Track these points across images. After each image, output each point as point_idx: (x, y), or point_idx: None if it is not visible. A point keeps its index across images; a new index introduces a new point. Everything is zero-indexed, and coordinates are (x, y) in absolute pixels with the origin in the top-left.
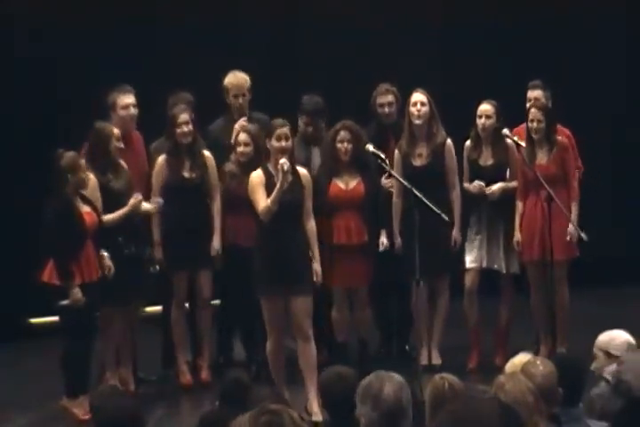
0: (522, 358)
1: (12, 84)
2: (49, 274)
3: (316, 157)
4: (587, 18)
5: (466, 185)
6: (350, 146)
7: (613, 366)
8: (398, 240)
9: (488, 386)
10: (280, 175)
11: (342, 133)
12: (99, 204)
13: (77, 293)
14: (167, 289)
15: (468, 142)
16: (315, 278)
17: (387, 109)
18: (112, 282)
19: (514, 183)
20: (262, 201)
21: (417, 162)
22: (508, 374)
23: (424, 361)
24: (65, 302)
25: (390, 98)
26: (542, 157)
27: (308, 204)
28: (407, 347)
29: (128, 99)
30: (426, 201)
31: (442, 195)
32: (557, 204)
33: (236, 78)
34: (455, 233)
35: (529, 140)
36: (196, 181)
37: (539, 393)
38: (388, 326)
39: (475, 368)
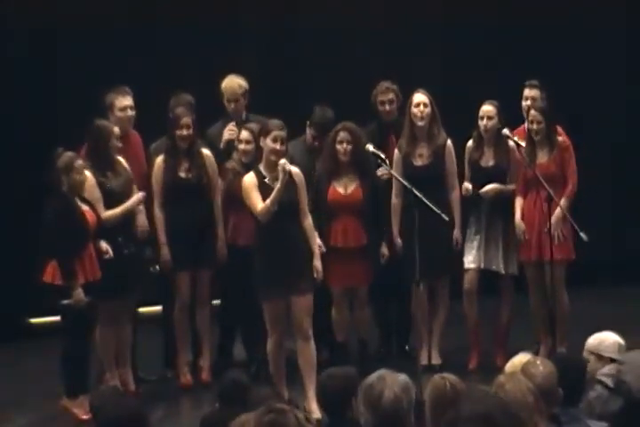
0: (522, 358)
1: (12, 84)
2: (50, 274)
3: (317, 164)
4: (587, 18)
5: (465, 185)
6: (350, 147)
7: (607, 368)
8: (398, 241)
9: (488, 386)
10: (280, 175)
11: (342, 134)
12: (99, 203)
13: (80, 293)
14: (167, 289)
15: (469, 143)
16: (315, 275)
17: (387, 107)
18: (112, 280)
19: (511, 186)
20: (259, 203)
21: (418, 162)
22: (508, 374)
23: (424, 361)
24: (67, 302)
25: (391, 96)
26: (542, 157)
27: (304, 202)
28: (407, 347)
29: (126, 101)
30: (426, 201)
31: (442, 195)
32: (557, 204)
33: (230, 83)
34: (456, 233)
35: (529, 140)
36: (192, 182)
37: (539, 393)
38: (387, 326)
39: (475, 368)
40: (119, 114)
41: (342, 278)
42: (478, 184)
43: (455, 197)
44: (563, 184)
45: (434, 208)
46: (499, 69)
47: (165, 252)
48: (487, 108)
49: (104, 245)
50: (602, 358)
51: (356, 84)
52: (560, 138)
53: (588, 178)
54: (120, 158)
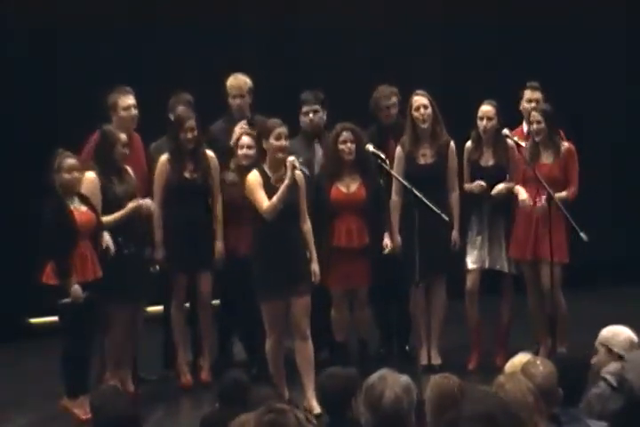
0: (521, 358)
1: (12, 84)
2: (48, 275)
3: (319, 152)
4: (587, 18)
5: (466, 185)
6: (353, 146)
7: (613, 366)
8: (397, 238)
9: (488, 386)
10: (288, 172)
11: (345, 134)
12: (97, 205)
13: (77, 289)
14: (167, 289)
15: (468, 143)
16: (313, 279)
17: (391, 111)
18: (113, 280)
19: (511, 184)
20: (264, 201)
21: (421, 161)
22: (508, 374)
23: (424, 361)
24: (65, 301)
25: (394, 100)
26: (547, 158)
27: (304, 204)
28: (407, 347)
29: (129, 100)
30: (426, 201)
31: (442, 196)
32: (557, 205)
33: (236, 80)
34: (454, 235)
35: (533, 142)
36: (197, 183)
37: (539, 393)
38: (387, 326)
39: (475, 368)
40: (123, 113)
41: (343, 279)
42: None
43: (455, 198)
44: (564, 188)
45: (434, 208)
46: (499, 69)
47: (160, 251)
48: (486, 109)
49: (106, 239)
50: (611, 353)
51: (356, 84)
52: (565, 144)
53: (588, 178)
54: (127, 168)
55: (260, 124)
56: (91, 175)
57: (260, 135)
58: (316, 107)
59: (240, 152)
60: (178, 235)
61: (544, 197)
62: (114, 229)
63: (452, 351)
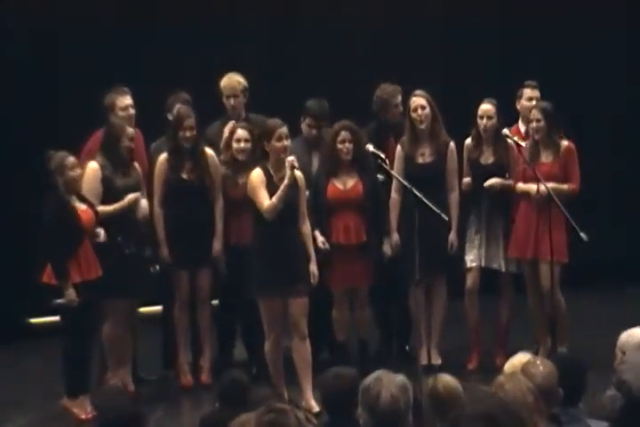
0: (521, 357)
1: (12, 84)
2: (48, 275)
3: (317, 161)
4: (587, 18)
5: (464, 180)
6: (351, 146)
7: None
8: (395, 236)
9: (488, 386)
10: (288, 172)
11: (343, 133)
12: (97, 197)
13: (72, 293)
14: (167, 289)
15: (468, 141)
16: (311, 279)
17: (399, 109)
18: (113, 280)
19: (512, 182)
20: (265, 199)
21: (420, 160)
22: (508, 374)
23: (424, 361)
24: (60, 301)
25: (400, 98)
26: (547, 157)
27: (303, 205)
28: (407, 347)
29: (126, 100)
30: (426, 201)
31: (441, 195)
32: (557, 205)
33: (229, 80)
34: (452, 236)
35: (533, 140)
36: (195, 182)
37: (539, 393)
38: (387, 327)
39: (475, 368)
40: (121, 113)
41: (343, 279)
42: (478, 182)
43: (454, 198)
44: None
45: (434, 208)
46: (499, 69)
47: (164, 250)
48: (486, 107)
49: (99, 231)
50: None
51: (356, 84)
52: (565, 142)
53: (588, 178)
54: (136, 164)
55: (261, 125)
56: (93, 165)
57: (262, 137)
58: (322, 122)
59: (236, 146)
60: (177, 233)
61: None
62: (114, 228)
63: (452, 351)
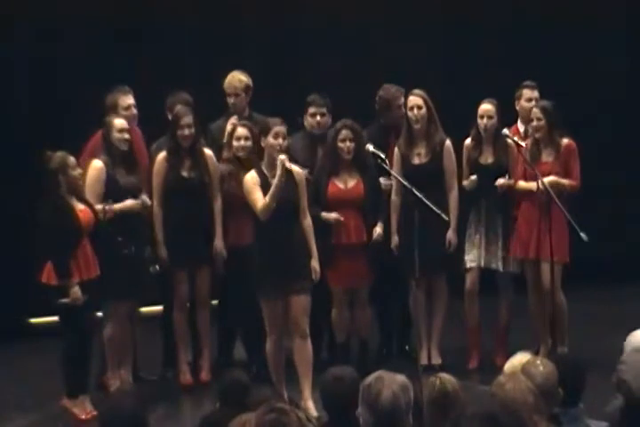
0: (521, 357)
1: (12, 84)
2: (47, 275)
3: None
4: (587, 18)
5: (464, 183)
6: (352, 144)
7: None
8: (395, 238)
9: (488, 386)
10: (278, 171)
11: (344, 132)
12: (99, 196)
13: (77, 291)
14: (167, 289)
15: (467, 141)
16: (313, 276)
17: (402, 110)
18: (113, 280)
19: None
20: (260, 200)
21: (416, 160)
22: (508, 374)
23: (424, 361)
24: (64, 301)
25: (403, 99)
26: (547, 156)
27: (304, 201)
28: (407, 347)
29: (129, 99)
30: (426, 201)
31: (440, 194)
32: (557, 205)
33: (231, 78)
34: (450, 234)
35: (534, 139)
36: (194, 181)
37: (539, 393)
38: (388, 326)
39: (475, 368)
40: (124, 113)
41: (344, 279)
42: (478, 182)
43: (453, 197)
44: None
45: (434, 208)
46: (499, 69)
47: (162, 250)
48: (486, 107)
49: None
50: None
51: (356, 85)
52: (565, 140)
53: (588, 178)
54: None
55: (261, 122)
56: (97, 164)
57: (260, 133)
58: (324, 110)
59: (236, 144)
60: (177, 233)
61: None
62: (114, 228)
63: (451, 351)
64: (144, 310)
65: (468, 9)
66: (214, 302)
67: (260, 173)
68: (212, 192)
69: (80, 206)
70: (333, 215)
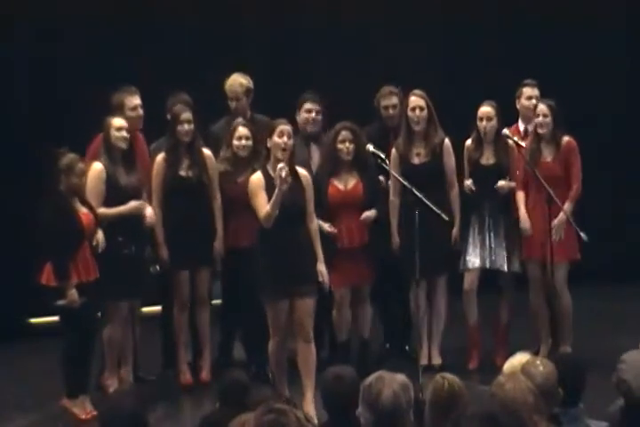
0: (520, 357)
1: (12, 84)
2: (47, 276)
3: (316, 154)
4: (587, 17)
5: (465, 182)
6: (352, 146)
7: None
8: (396, 239)
9: (488, 386)
10: (278, 181)
11: (343, 133)
12: (100, 198)
13: (74, 293)
14: (167, 289)
15: (468, 142)
16: (320, 279)
17: (391, 111)
18: (113, 280)
19: (513, 184)
20: (263, 206)
21: (415, 160)
22: (508, 374)
23: (424, 361)
24: (61, 302)
25: (394, 100)
26: (547, 156)
27: (310, 205)
28: (407, 347)
29: (135, 100)
30: (426, 201)
31: (440, 194)
32: (557, 204)
33: (231, 82)
34: (455, 232)
35: (535, 138)
36: (192, 180)
37: (539, 393)
38: (388, 326)
39: (475, 368)
40: (130, 113)
41: (344, 279)
42: (479, 183)
43: (454, 195)
44: (566, 185)
45: (434, 208)
46: (499, 69)
47: (163, 251)
48: (486, 110)
49: (98, 236)
50: None
51: (356, 85)
52: (566, 138)
53: (588, 177)
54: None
55: (263, 123)
56: (97, 166)
57: (266, 135)
58: (319, 107)
59: (237, 143)
60: (176, 233)
61: (545, 198)
62: (114, 228)
63: (451, 351)
64: (144, 309)
65: (467, 9)
66: (215, 301)
67: (266, 175)
68: (212, 192)
69: (83, 210)
70: (326, 227)
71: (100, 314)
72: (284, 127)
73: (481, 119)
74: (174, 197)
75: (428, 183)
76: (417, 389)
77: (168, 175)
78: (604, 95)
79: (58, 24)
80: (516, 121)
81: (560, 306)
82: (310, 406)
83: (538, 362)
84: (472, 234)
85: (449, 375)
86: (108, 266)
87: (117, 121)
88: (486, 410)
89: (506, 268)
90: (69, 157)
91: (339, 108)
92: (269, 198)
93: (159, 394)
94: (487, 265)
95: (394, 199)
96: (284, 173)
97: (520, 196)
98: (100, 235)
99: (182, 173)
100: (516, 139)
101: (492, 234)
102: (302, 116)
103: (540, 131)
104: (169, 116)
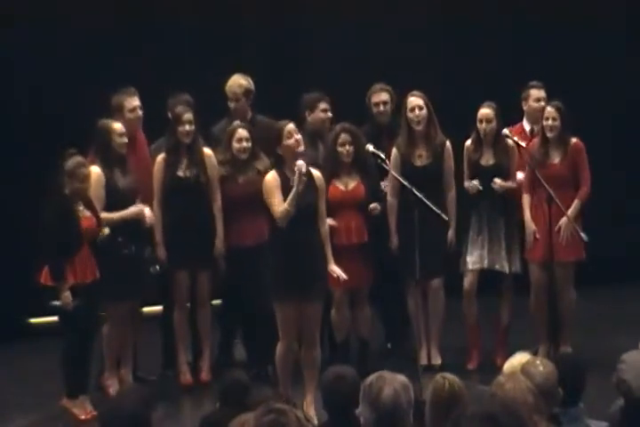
0: (520, 357)
1: (12, 84)
2: (45, 276)
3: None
4: (587, 17)
5: (466, 184)
6: (352, 148)
7: None
8: (395, 239)
9: (488, 386)
10: (296, 177)
11: (343, 136)
12: (101, 202)
13: (67, 296)
14: (167, 289)
15: (468, 142)
16: (335, 276)
17: (381, 108)
18: (113, 280)
19: (512, 184)
20: (279, 205)
21: (417, 162)
22: (508, 374)
23: (424, 361)
24: (56, 303)
25: (384, 97)
26: (555, 158)
27: (322, 206)
28: (407, 347)
29: (134, 101)
30: (426, 201)
31: (440, 196)
32: (558, 205)
33: (231, 83)
34: (451, 234)
35: (543, 140)
36: (190, 180)
37: (539, 393)
38: (387, 326)
39: (475, 368)
40: (129, 115)
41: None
42: (479, 183)
43: (451, 197)
44: (574, 187)
45: (434, 208)
46: (499, 69)
47: (162, 251)
48: (485, 111)
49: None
50: None
51: (356, 85)
52: (573, 140)
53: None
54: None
55: (265, 124)
56: (96, 170)
57: (274, 143)
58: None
59: (237, 146)
60: (176, 233)
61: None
62: (114, 228)
63: (452, 351)
64: (144, 309)
65: (467, 9)
66: (215, 301)
67: (282, 175)
68: (212, 192)
69: (86, 213)
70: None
71: (100, 314)
72: (290, 127)
73: (480, 121)
74: (173, 198)
75: (429, 184)
76: (417, 389)
77: (167, 176)
78: (604, 95)
79: (58, 24)
80: (520, 121)
81: (564, 305)
82: (310, 408)
83: (538, 362)
84: (472, 235)
85: (449, 375)
86: (108, 266)
87: (118, 126)
88: (486, 410)
89: (507, 269)
90: (74, 160)
91: (339, 108)
92: (285, 197)
93: (159, 394)
94: (487, 266)
95: (391, 200)
96: (303, 169)
97: (526, 199)
98: (106, 229)
99: (180, 173)
100: (516, 139)
101: (491, 235)
102: (319, 115)
103: (548, 134)
104: (170, 116)
